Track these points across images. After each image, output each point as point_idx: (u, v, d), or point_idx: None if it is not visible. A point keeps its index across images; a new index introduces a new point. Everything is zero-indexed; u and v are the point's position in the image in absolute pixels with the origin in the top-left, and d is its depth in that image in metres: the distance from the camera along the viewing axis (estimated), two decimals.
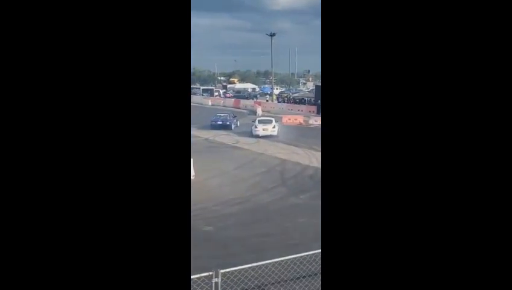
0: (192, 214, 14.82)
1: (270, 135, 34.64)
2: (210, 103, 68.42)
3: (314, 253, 7.61)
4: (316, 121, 43.26)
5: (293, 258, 7.69)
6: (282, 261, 7.62)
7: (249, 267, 7.16)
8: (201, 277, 6.38)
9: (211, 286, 6.37)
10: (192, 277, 6.47)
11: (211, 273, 6.34)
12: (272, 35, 69.95)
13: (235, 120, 41.88)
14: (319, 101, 53.32)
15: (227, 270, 6.59)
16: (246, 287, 7.75)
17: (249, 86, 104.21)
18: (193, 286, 6.55)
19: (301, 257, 7.74)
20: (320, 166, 19.84)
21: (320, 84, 61.27)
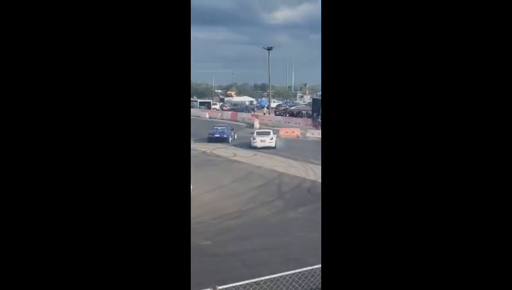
0: None
1: (268, 147, 34.44)
2: (207, 116, 68.32)
3: (314, 268, 7.55)
4: (313, 134, 43.33)
5: (293, 273, 7.61)
6: (281, 276, 7.54)
7: (247, 283, 7.04)
8: None
9: None
10: None
11: (208, 289, 6.28)
12: (269, 49, 70.35)
13: (232, 133, 41.53)
14: (315, 114, 53.32)
15: (226, 286, 6.52)
16: None
17: (246, 99, 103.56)
18: None
19: (301, 272, 7.66)
20: (317, 179, 20.06)
21: (316, 97, 60.72)
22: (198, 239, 13.65)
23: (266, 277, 7.26)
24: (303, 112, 65.14)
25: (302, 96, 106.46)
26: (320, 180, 18.46)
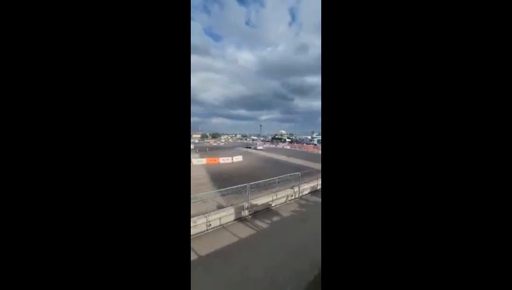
0: (241, 171, 13.39)
1: (261, 149, 35.64)
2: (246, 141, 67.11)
3: (284, 176, 7.41)
4: (272, 145, 42.94)
5: (275, 178, 7.30)
6: (270, 179, 7.32)
7: (262, 181, 6.89)
8: (240, 186, 5.82)
9: (246, 189, 5.78)
10: (233, 187, 5.82)
11: (245, 184, 5.90)
12: (261, 125, 74.95)
13: (253, 146, 42.33)
14: (273, 140, 51.93)
15: (252, 183, 6.20)
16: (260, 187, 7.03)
17: (255, 138, 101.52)
18: (236, 189, 5.76)
19: (281, 177, 7.25)
20: (278, 158, 20.80)
21: (273, 136, 55.14)
22: (243, 171, 13.54)
23: (272, 178, 7.25)
24: (269, 140, 65.42)
25: (269, 136, 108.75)
26: (278, 159, 17.89)
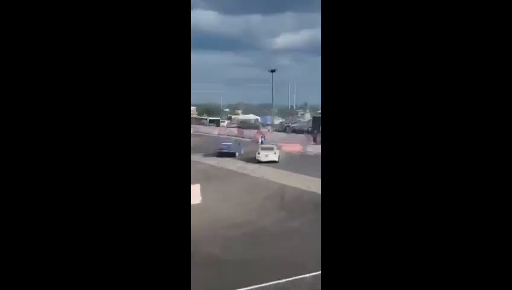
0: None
1: (272, 161, 12.87)
2: (216, 133, 23.94)
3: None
4: (313, 150, 14.90)
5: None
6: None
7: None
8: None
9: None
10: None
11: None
12: (273, 71, 26.39)
13: (239, 148, 15.26)
14: (315, 131, 19.09)
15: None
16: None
17: (251, 117, 32.48)
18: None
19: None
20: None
21: (316, 115, 23.26)
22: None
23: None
24: (304, 129, 23.78)
25: (303, 114, 37.01)
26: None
